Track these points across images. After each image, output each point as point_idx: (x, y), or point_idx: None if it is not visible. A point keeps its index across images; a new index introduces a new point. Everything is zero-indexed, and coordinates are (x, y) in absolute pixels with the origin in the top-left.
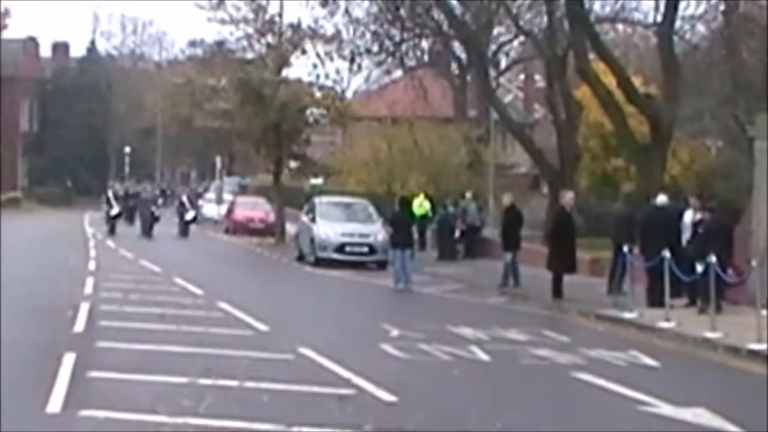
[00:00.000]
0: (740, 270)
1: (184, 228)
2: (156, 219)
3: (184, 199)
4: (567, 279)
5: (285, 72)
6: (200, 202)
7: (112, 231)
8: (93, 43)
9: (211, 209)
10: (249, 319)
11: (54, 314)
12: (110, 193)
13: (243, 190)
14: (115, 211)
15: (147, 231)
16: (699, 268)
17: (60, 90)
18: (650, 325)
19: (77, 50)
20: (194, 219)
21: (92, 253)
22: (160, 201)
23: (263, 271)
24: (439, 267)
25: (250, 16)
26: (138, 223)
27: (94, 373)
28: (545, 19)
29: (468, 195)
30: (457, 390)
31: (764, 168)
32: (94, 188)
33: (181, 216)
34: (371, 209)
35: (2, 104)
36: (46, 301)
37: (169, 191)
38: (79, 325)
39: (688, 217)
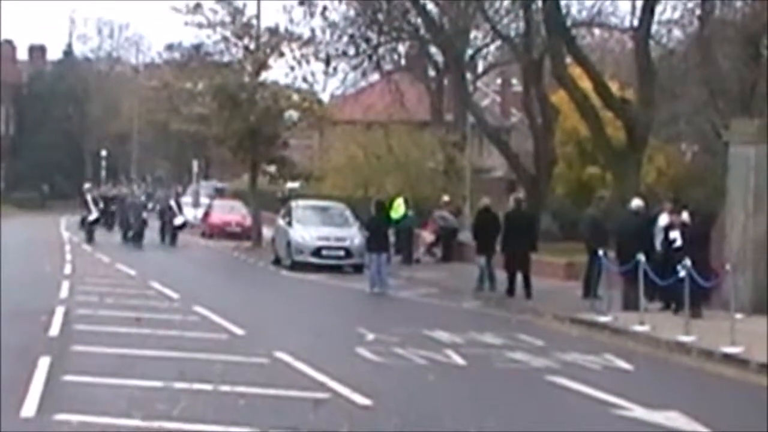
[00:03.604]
0: (718, 272)
1: (172, 235)
2: (146, 224)
3: (172, 203)
4: (541, 283)
5: (263, 75)
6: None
7: (90, 238)
8: (70, 46)
9: (187, 213)
10: (225, 323)
11: (29, 318)
12: (88, 197)
13: (220, 193)
14: (94, 215)
15: (137, 239)
16: (683, 273)
17: (36, 94)
18: (625, 328)
19: (54, 53)
20: (183, 225)
21: (68, 257)
22: (149, 206)
23: (239, 275)
24: (414, 271)
25: (227, 19)
26: (117, 229)
27: (69, 377)
28: (522, 23)
29: (445, 198)
30: (432, 394)
31: (738, 173)
32: (70, 192)
33: (169, 221)
34: (348, 213)
35: None
36: (22, 305)
37: (154, 195)
38: (54, 329)
39: (663, 221)
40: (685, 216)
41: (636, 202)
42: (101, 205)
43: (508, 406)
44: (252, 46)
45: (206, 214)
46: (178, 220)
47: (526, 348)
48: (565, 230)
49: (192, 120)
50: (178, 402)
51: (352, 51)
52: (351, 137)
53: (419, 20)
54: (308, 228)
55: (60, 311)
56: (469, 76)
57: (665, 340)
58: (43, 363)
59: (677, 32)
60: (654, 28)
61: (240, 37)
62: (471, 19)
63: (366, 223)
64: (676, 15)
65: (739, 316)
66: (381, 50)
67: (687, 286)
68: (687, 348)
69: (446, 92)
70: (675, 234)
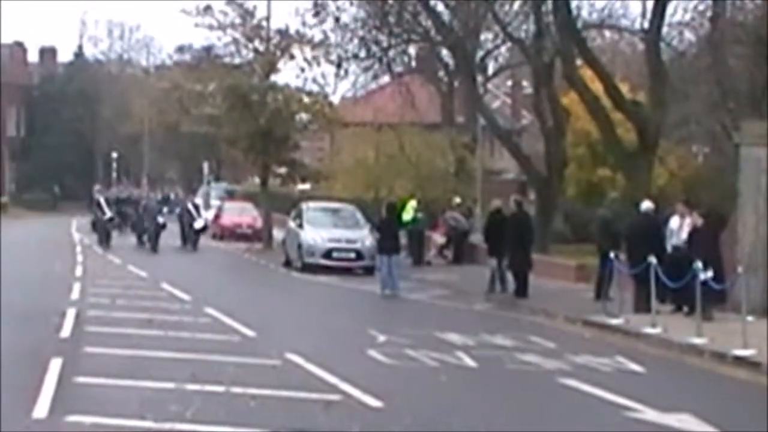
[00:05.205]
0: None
1: (194, 239)
2: (164, 227)
3: (190, 206)
4: (553, 285)
5: (273, 77)
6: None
7: (107, 241)
8: (80, 48)
9: None
10: (236, 325)
11: (41, 319)
12: (101, 198)
13: (230, 195)
14: (108, 215)
15: (153, 244)
16: (702, 276)
17: (47, 95)
18: (636, 331)
19: (65, 55)
20: (204, 228)
21: (79, 258)
22: (165, 209)
23: (250, 277)
24: (426, 273)
25: (238, 21)
26: (129, 231)
27: (81, 379)
28: (533, 25)
29: (456, 200)
30: (443, 396)
31: (750, 174)
32: (81, 194)
33: (189, 225)
34: (358, 215)
35: None
36: (33, 307)
37: (173, 197)
38: (66, 331)
39: (675, 223)
40: (697, 219)
41: (646, 204)
42: (113, 207)
43: (520, 408)
44: (262, 48)
45: (217, 216)
46: (198, 224)
47: (538, 350)
48: (577, 232)
49: (203, 121)
50: (190, 403)
51: (362, 53)
52: (362, 139)
53: (430, 22)
54: (319, 230)
55: (71, 313)
56: (479, 78)
57: (677, 343)
58: (55, 364)
59: (688, 34)
60: (665, 30)
61: (250, 39)
62: (481, 21)
63: (377, 225)
64: (687, 17)
65: (750, 318)
66: (392, 52)
67: (699, 289)
68: (699, 350)
69: (457, 94)
70: (682, 236)
